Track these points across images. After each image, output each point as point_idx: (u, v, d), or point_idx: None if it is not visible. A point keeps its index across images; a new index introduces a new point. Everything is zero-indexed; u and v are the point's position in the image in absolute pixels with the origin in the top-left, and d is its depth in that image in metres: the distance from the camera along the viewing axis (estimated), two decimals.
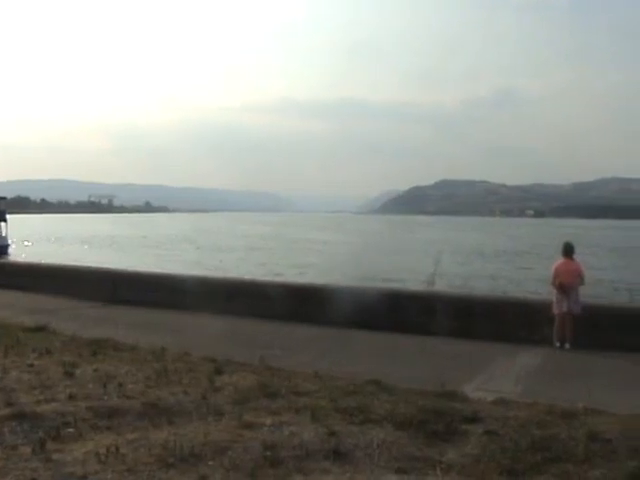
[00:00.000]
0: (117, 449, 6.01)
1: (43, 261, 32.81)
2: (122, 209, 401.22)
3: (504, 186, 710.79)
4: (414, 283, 22.61)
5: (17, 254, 56.97)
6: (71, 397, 7.83)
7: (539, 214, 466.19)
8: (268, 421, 7.08)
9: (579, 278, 14.10)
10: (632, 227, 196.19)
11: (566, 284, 13.83)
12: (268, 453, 6.15)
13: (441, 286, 19.31)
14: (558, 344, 13.68)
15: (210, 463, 5.91)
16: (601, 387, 10.27)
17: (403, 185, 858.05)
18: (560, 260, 14.42)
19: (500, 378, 10.90)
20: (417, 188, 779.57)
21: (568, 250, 14.40)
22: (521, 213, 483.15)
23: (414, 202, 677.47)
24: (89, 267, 26.57)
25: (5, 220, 59.40)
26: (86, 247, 78.72)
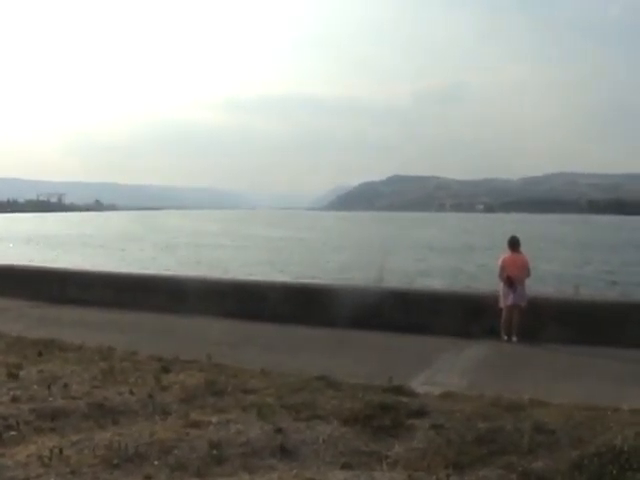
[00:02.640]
0: (61, 451, 5.94)
1: None
2: (73, 207, 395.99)
3: (455, 181, 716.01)
4: (364, 279, 22.64)
5: None
6: (14, 399, 7.72)
7: (489, 209, 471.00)
8: (214, 419, 7.06)
9: (525, 271, 14.25)
10: (579, 221, 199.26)
11: (513, 277, 13.97)
12: (214, 451, 6.14)
13: (391, 282, 19.36)
14: (505, 337, 13.81)
15: (155, 463, 5.87)
16: (547, 379, 10.41)
17: (354, 181, 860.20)
18: (507, 253, 14.55)
19: (447, 372, 10.96)
20: (368, 184, 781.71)
21: (514, 243, 14.54)
22: (471, 208, 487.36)
23: (365, 198, 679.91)
24: (35, 266, 26.22)
25: None
26: (31, 246, 77.45)
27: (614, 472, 5.78)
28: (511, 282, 13.92)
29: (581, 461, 6.00)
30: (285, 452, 6.22)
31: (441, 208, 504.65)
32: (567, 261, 53.45)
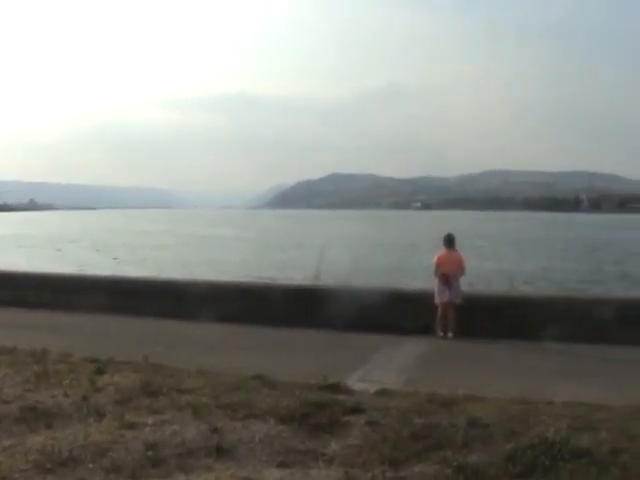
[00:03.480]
0: None
1: None
2: (5, 207, 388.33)
3: (392, 179, 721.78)
4: (302, 277, 22.62)
5: None
6: None
7: (426, 206, 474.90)
8: (150, 420, 7.00)
9: (460, 268, 14.43)
10: (514, 218, 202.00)
11: (448, 274, 14.13)
12: (150, 453, 6.10)
13: (328, 280, 19.38)
14: (441, 333, 13.97)
15: (90, 466, 5.81)
16: (481, 374, 10.54)
17: (293, 179, 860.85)
18: (442, 251, 14.71)
19: (383, 369, 11.01)
20: (306, 182, 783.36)
21: (449, 241, 14.70)
22: (408, 206, 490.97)
23: (304, 196, 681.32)
24: None
25: None
26: None
27: (547, 463, 5.92)
28: (446, 279, 14.08)
29: (514, 453, 6.12)
30: (221, 452, 6.21)
31: (378, 206, 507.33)
32: (505, 258, 54.05)
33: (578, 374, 10.80)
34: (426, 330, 14.02)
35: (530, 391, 8.55)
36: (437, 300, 14.13)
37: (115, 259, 54.09)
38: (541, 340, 13.08)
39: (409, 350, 12.58)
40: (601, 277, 40.42)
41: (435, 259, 14.65)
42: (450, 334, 13.89)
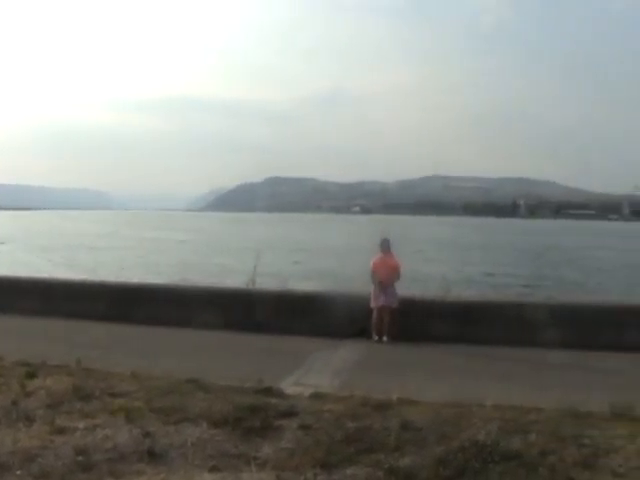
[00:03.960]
0: None
1: None
2: None
3: (332, 183, 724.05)
4: (236, 281, 22.50)
5: None
6: None
7: (366, 211, 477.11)
8: (81, 425, 6.93)
9: (396, 273, 14.48)
10: (454, 223, 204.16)
11: (384, 278, 14.20)
12: (80, 458, 6.04)
13: (265, 284, 19.31)
14: (376, 337, 14.00)
15: (18, 472, 5.74)
16: (416, 378, 10.59)
17: (233, 182, 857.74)
18: (378, 255, 14.76)
19: (318, 372, 10.98)
20: (246, 185, 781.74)
21: (385, 245, 14.76)
22: (348, 210, 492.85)
23: (243, 199, 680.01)
24: None
25: None
26: None
27: (477, 466, 6.00)
28: (382, 284, 14.15)
29: (446, 456, 6.20)
30: (153, 456, 6.19)
31: (318, 210, 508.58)
32: (445, 262, 54.46)
33: (510, 377, 10.96)
34: (362, 334, 14.07)
35: (463, 394, 8.64)
36: (373, 304, 14.18)
37: (50, 261, 53.17)
38: (475, 344, 13.24)
39: (344, 354, 12.59)
40: (540, 282, 40.91)
41: (371, 264, 14.68)
42: (385, 338, 13.94)
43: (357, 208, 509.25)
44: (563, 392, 9.01)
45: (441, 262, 53.96)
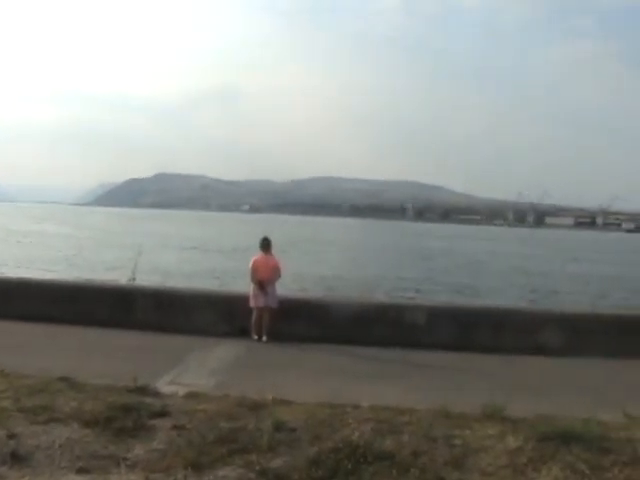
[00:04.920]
0: None
1: None
2: None
3: (222, 181, 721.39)
4: (119, 278, 22.15)
5: None
6: None
7: (255, 209, 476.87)
8: None
9: (276, 272, 14.45)
10: (342, 224, 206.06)
11: (264, 278, 14.15)
12: None
13: (144, 281, 19.06)
14: (256, 337, 13.94)
15: None
16: (293, 378, 10.60)
17: (120, 177, 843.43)
18: (258, 254, 14.69)
19: (195, 372, 10.83)
20: (134, 180, 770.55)
21: (266, 245, 14.70)
22: (237, 208, 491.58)
23: (131, 195, 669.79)
24: None
25: None
26: None
27: (349, 466, 6.02)
28: (262, 283, 14.11)
29: (318, 457, 6.21)
30: (17, 458, 5.97)
31: (207, 207, 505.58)
32: (330, 263, 54.89)
33: (386, 378, 11.08)
34: (242, 333, 13.99)
35: (339, 395, 8.67)
36: (252, 304, 14.11)
37: None
38: (354, 344, 13.34)
39: (223, 353, 12.47)
40: (430, 285, 41.50)
41: (251, 263, 14.60)
42: (265, 338, 13.90)
43: (246, 207, 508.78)
44: (438, 393, 9.14)
45: (326, 263, 54.37)
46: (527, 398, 9.17)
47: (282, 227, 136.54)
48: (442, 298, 32.16)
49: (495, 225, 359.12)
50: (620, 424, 7.85)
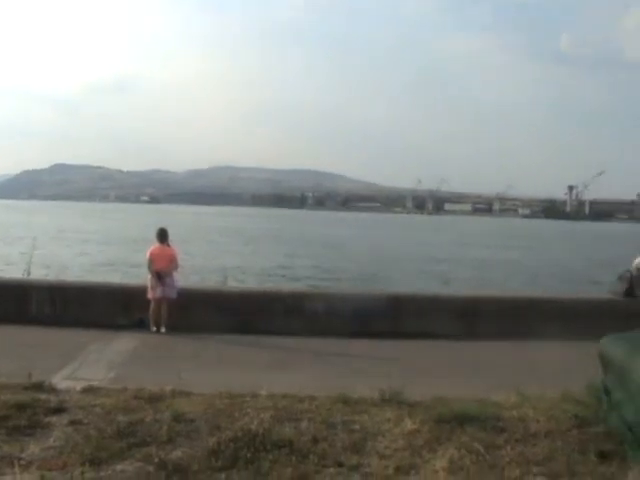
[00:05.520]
0: None
1: None
2: None
3: (120, 172, 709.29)
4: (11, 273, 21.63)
5: None
6: None
7: (154, 200, 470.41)
8: None
9: (174, 263, 14.38)
10: (244, 214, 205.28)
11: (161, 269, 14.05)
12: None
13: (39, 275, 18.68)
14: (154, 328, 13.83)
15: None
16: (193, 368, 10.53)
17: (16, 168, 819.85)
18: (155, 245, 14.57)
19: (92, 366, 10.66)
20: (29, 172, 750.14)
21: (162, 236, 14.59)
22: (137, 199, 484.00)
23: (27, 186, 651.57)
24: None
25: None
26: None
27: (249, 455, 6.04)
28: (159, 274, 14.01)
29: (218, 447, 6.21)
30: None
31: (105, 199, 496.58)
32: (232, 253, 54.62)
33: (286, 366, 11.16)
34: (140, 325, 13.87)
35: (238, 384, 8.65)
36: (150, 295, 14.00)
37: None
38: (253, 334, 13.36)
39: (121, 346, 12.31)
40: (333, 274, 41.60)
41: (148, 254, 14.49)
42: (164, 329, 13.80)
43: (146, 197, 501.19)
44: (337, 380, 9.28)
45: (229, 253, 54.12)
46: (424, 382, 9.33)
47: (182, 217, 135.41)
48: (345, 286, 32.43)
49: (395, 212, 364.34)
50: (513, 403, 8.09)
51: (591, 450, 6.53)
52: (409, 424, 7.11)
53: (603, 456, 6.40)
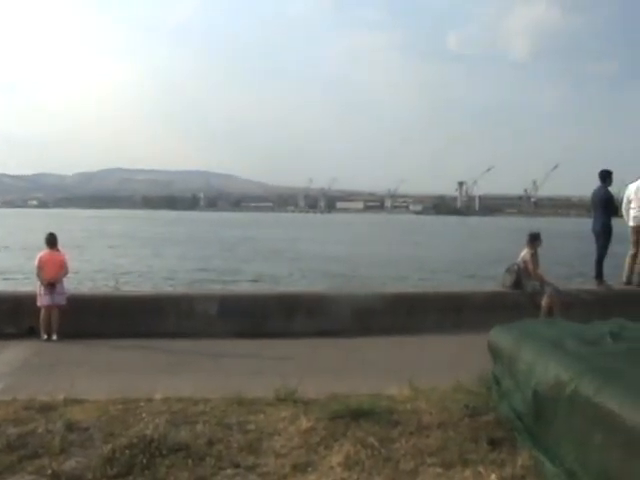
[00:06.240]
0: None
1: None
2: None
3: (7, 175, 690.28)
4: None
5: None
6: None
7: (43, 205, 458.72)
8: None
9: (64, 269, 14.11)
10: (133, 216, 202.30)
11: (50, 275, 13.77)
12: None
13: None
14: (45, 336, 13.49)
15: None
16: (85, 376, 10.29)
17: None
18: (44, 251, 14.27)
19: None
20: None
21: (51, 241, 14.32)
22: (25, 204, 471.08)
23: None
24: None
25: None
26: None
27: (144, 461, 6.01)
28: (49, 281, 13.73)
29: (113, 455, 6.17)
30: None
31: None
32: (124, 257, 53.81)
33: (180, 369, 11.07)
34: (31, 334, 13.53)
35: (132, 390, 8.55)
36: (40, 302, 13.68)
37: None
38: (147, 338, 13.18)
39: (9, 356, 11.95)
40: (229, 276, 41.28)
41: (37, 260, 14.16)
42: (55, 337, 13.49)
43: (34, 202, 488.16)
44: (232, 381, 9.24)
45: (122, 257, 53.31)
46: (318, 379, 9.40)
47: (73, 222, 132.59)
48: (243, 287, 32.39)
49: (287, 211, 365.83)
50: (406, 397, 8.25)
51: (482, 438, 6.72)
52: (304, 422, 7.18)
53: (494, 443, 6.62)
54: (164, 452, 6.23)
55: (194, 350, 12.58)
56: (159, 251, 61.27)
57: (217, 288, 25.95)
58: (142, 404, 7.93)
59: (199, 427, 7.05)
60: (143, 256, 55.07)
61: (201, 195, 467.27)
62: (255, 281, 37.45)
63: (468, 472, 5.99)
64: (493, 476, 5.87)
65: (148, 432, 6.61)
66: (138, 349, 12.60)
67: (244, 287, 32.04)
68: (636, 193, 16.43)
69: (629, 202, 16.60)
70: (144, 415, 7.42)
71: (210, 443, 6.61)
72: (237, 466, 6.14)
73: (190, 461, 6.13)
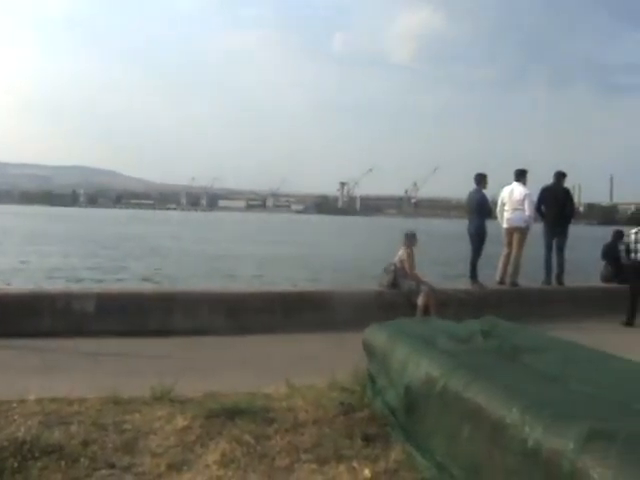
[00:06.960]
0: None
1: None
2: None
3: None
4: None
5: None
6: None
7: None
8: None
9: None
10: (11, 212, 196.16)
11: None
12: None
13: None
14: None
15: None
16: None
17: None
18: None
19: None
20: None
21: None
22: None
23: None
24: None
25: None
26: None
27: (15, 464, 5.89)
28: None
29: None
30: None
31: None
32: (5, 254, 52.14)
33: (55, 369, 10.79)
34: None
35: (4, 391, 8.29)
36: None
37: None
38: (19, 337, 12.81)
39: None
40: (110, 274, 40.31)
41: None
42: None
43: None
44: (109, 380, 9.10)
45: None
46: (196, 378, 9.41)
47: None
48: (127, 285, 31.81)
49: (169, 209, 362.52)
50: (283, 394, 8.36)
51: (357, 434, 6.89)
52: (180, 421, 7.19)
53: (368, 439, 6.79)
54: (36, 454, 6.11)
55: (71, 349, 12.28)
56: (38, 248, 59.59)
57: (95, 286, 25.44)
58: (14, 405, 7.75)
59: (73, 428, 6.96)
60: (19, 253, 53.47)
61: (81, 191, 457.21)
62: (138, 279, 36.88)
63: (342, 467, 6.13)
64: (367, 471, 6.02)
65: (20, 434, 6.46)
66: (10, 349, 12.18)
67: (124, 285, 31.48)
68: (510, 196, 17.07)
69: (503, 205, 17.25)
70: (16, 417, 7.26)
71: (85, 444, 6.54)
72: (112, 466, 6.10)
73: (63, 463, 6.02)
